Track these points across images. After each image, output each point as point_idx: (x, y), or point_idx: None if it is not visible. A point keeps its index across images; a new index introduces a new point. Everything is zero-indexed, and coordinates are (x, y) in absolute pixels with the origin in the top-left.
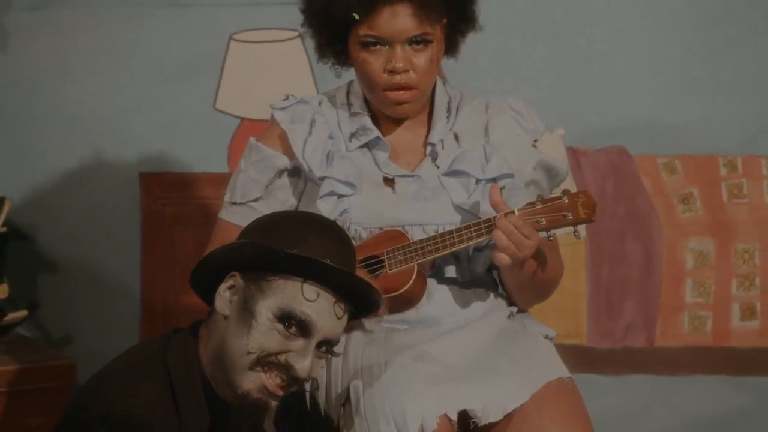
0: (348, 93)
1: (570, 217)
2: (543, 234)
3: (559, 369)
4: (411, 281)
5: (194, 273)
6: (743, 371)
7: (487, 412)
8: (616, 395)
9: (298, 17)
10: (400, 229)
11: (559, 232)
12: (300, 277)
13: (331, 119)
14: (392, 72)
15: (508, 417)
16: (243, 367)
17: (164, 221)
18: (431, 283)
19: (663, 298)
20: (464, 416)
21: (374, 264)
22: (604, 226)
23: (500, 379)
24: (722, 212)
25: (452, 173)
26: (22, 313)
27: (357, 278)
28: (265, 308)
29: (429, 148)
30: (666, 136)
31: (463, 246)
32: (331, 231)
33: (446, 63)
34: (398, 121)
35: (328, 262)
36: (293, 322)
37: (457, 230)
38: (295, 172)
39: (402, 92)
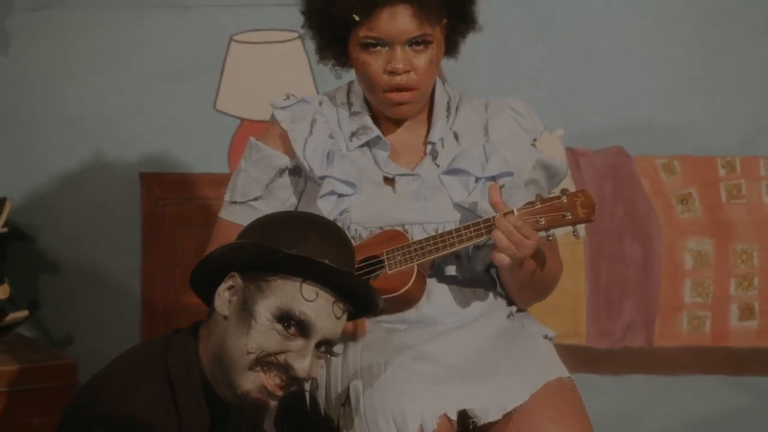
0: (348, 93)
1: (569, 216)
2: (542, 234)
3: (558, 369)
4: (411, 281)
5: (194, 273)
6: (742, 371)
7: (486, 412)
8: (615, 395)
9: (299, 18)
10: (399, 229)
11: (559, 232)
12: (299, 277)
13: (332, 119)
14: (392, 73)
15: (508, 417)
16: (242, 367)
17: (165, 222)
18: (431, 282)
19: (662, 299)
20: (464, 416)
21: (374, 264)
22: (603, 227)
23: (500, 378)
24: (721, 213)
25: (452, 172)
26: (23, 313)
27: (356, 278)
28: (264, 308)
29: (429, 147)
30: (665, 136)
31: (462, 246)
32: (330, 231)
33: (446, 63)
34: (398, 121)
35: (326, 262)
36: (292, 322)
37: (457, 230)
38: (296, 171)
39: (402, 93)
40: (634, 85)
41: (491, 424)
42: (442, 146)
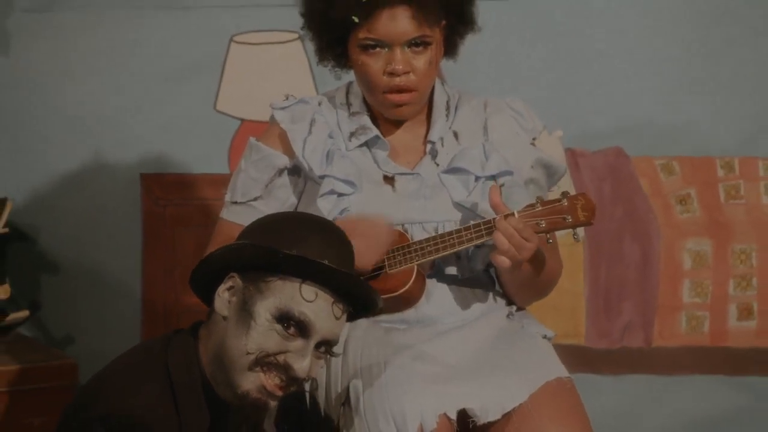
0: (347, 93)
1: (569, 219)
2: (542, 235)
3: (557, 369)
4: (411, 281)
5: (194, 274)
6: (740, 371)
7: (485, 412)
8: (614, 395)
9: (299, 19)
10: (400, 228)
11: (559, 233)
12: (298, 277)
13: (331, 119)
14: (392, 74)
15: (507, 416)
16: (242, 367)
17: (165, 222)
18: (430, 282)
19: (661, 299)
20: (463, 415)
21: None
22: (602, 227)
23: (499, 378)
24: (720, 213)
25: (452, 171)
26: (24, 313)
27: (355, 278)
28: (264, 309)
29: (428, 146)
30: (664, 137)
31: (462, 247)
32: (330, 232)
33: (446, 64)
34: (397, 121)
35: (326, 262)
36: (292, 323)
37: (457, 231)
38: (296, 171)
39: (402, 95)
40: (634, 85)
41: (491, 424)
42: (442, 145)
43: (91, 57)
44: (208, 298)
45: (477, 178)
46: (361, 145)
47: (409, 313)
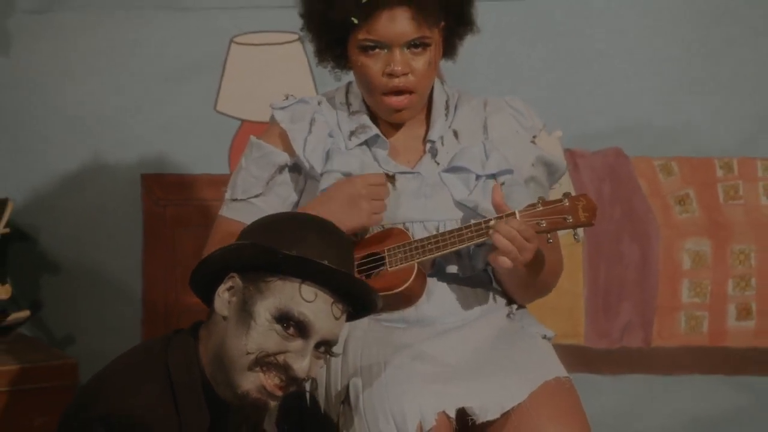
0: (347, 93)
1: (570, 220)
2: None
3: (557, 368)
4: (411, 279)
5: (194, 274)
6: (739, 371)
7: (485, 410)
8: (613, 395)
9: (298, 21)
10: (401, 226)
11: (559, 233)
12: (298, 277)
13: (331, 118)
14: (391, 75)
15: (506, 415)
16: (242, 367)
17: (165, 222)
18: (431, 281)
19: (660, 299)
20: (462, 414)
21: (375, 261)
22: (601, 228)
23: (498, 378)
24: (718, 213)
25: (452, 169)
26: (25, 313)
27: (355, 279)
28: (264, 309)
29: (428, 145)
30: (664, 137)
31: (463, 246)
32: (329, 232)
33: (445, 64)
34: None
35: (326, 263)
36: (291, 323)
37: (458, 230)
38: (296, 168)
39: (400, 99)
40: (634, 85)
41: (489, 423)
42: (442, 144)
43: (91, 57)
44: (208, 299)
45: (477, 177)
46: (361, 144)
47: (410, 313)
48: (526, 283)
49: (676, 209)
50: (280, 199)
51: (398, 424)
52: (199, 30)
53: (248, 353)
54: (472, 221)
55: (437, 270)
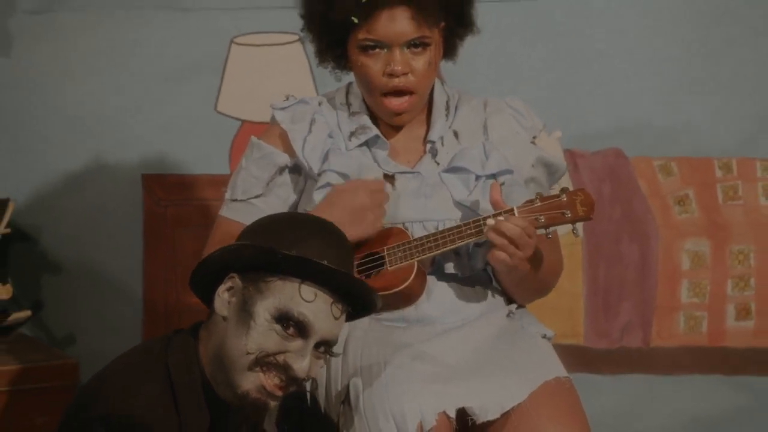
0: (347, 94)
1: (569, 214)
2: (541, 231)
3: (556, 368)
4: (411, 278)
5: (194, 274)
6: (738, 371)
7: (485, 410)
8: (613, 395)
9: (299, 21)
10: (400, 226)
11: (559, 232)
12: (298, 278)
13: (331, 119)
14: (391, 75)
15: (506, 415)
16: (242, 367)
17: (166, 222)
18: (431, 280)
19: (659, 299)
20: (462, 414)
21: (374, 261)
22: (601, 228)
23: (499, 377)
24: (717, 214)
25: (452, 170)
26: (26, 313)
27: (354, 279)
28: (263, 309)
29: (429, 146)
30: (664, 137)
31: (462, 243)
32: (329, 233)
33: (445, 65)
34: None
35: (325, 263)
36: (291, 323)
37: (457, 227)
38: (296, 169)
39: (401, 101)
40: (634, 85)
41: (490, 423)
42: (442, 144)
43: (92, 58)
44: (208, 299)
45: (477, 177)
46: (361, 145)
47: (410, 312)
48: (526, 281)
49: (675, 209)
50: (280, 199)
51: (398, 424)
52: (200, 30)
53: (248, 353)
54: (472, 219)
55: (437, 269)
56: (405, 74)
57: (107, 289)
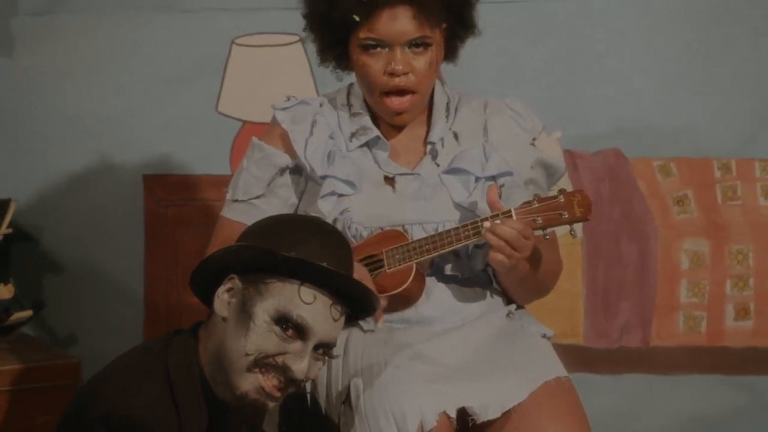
0: (348, 94)
1: (566, 215)
2: (539, 232)
3: (556, 368)
4: (409, 280)
5: (194, 275)
6: (738, 371)
7: (485, 410)
8: (613, 394)
9: (300, 22)
10: (399, 228)
11: (557, 232)
12: (297, 279)
13: (332, 120)
14: (392, 74)
15: (506, 415)
16: (241, 368)
17: (167, 223)
18: (430, 281)
19: (658, 299)
20: (463, 414)
21: (373, 263)
22: (600, 228)
23: (499, 377)
24: (717, 214)
25: (452, 171)
26: (28, 313)
27: (354, 281)
28: (263, 310)
29: (429, 147)
30: (664, 137)
31: (461, 245)
32: (329, 234)
33: (446, 66)
34: None
35: (325, 264)
36: (290, 325)
37: (455, 229)
38: (297, 170)
39: (402, 101)
40: (635, 86)
41: (490, 423)
42: (442, 146)
43: (93, 59)
44: (208, 299)
45: (477, 179)
46: (361, 146)
47: (410, 313)
48: (526, 282)
49: (674, 210)
50: (281, 200)
51: (399, 425)
52: (200, 31)
53: (247, 354)
54: (470, 220)
55: (436, 270)
56: (406, 74)
57: (108, 289)
